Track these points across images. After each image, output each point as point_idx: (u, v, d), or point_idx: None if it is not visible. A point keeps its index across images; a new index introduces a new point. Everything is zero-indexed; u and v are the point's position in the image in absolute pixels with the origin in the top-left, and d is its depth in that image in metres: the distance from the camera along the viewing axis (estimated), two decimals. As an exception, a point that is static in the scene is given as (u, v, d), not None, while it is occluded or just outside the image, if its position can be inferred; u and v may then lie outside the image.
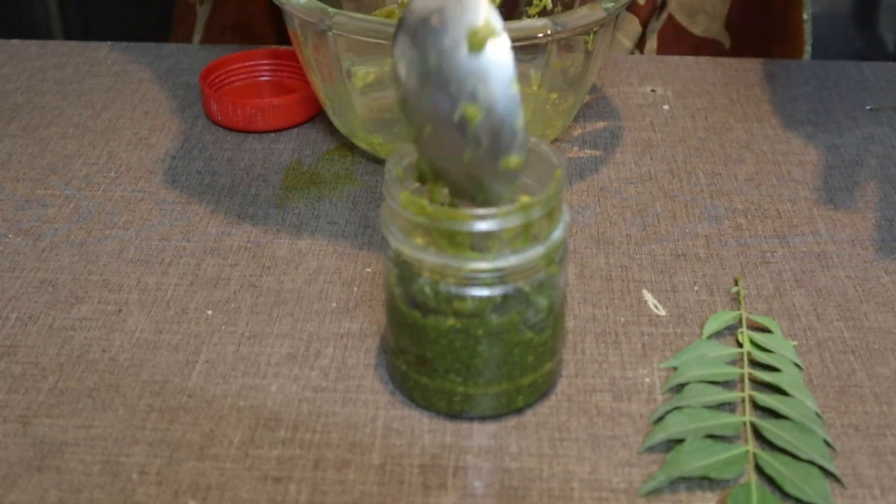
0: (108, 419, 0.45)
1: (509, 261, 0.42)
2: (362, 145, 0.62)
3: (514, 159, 0.41)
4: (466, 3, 0.41)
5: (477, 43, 0.40)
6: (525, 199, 0.42)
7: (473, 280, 0.42)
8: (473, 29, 0.40)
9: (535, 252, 0.42)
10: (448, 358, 0.44)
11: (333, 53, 0.57)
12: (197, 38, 0.83)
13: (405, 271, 0.44)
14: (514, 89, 0.40)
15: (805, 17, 0.78)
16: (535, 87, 0.59)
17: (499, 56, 0.40)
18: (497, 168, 0.41)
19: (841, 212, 0.59)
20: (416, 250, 0.43)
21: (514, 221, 0.42)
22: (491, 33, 0.40)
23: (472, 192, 0.43)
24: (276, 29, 0.81)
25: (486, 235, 0.42)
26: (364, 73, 0.61)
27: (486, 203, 0.42)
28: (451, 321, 0.43)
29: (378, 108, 0.62)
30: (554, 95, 0.60)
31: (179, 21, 0.86)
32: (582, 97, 0.62)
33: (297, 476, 0.43)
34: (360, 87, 0.60)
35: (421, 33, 0.41)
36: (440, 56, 0.41)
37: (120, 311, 0.52)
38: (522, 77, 0.57)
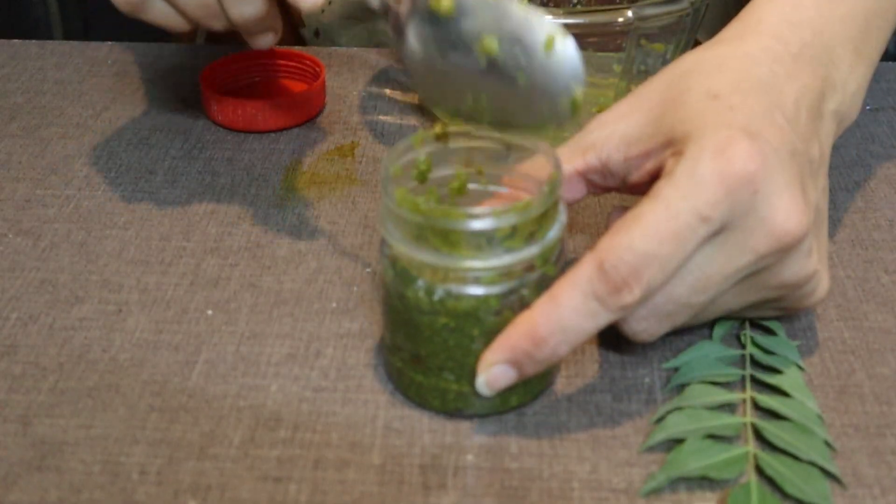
0: (108, 419, 0.45)
1: (503, 260, 0.42)
2: None
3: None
4: None
5: None
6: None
7: (468, 279, 0.42)
8: None
9: (529, 252, 0.43)
10: (442, 356, 0.44)
11: None
12: (201, 37, 0.83)
13: (400, 269, 0.44)
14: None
15: None
16: (615, 80, 0.60)
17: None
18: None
19: (841, 212, 0.59)
20: (411, 248, 0.43)
21: (508, 220, 0.42)
22: None
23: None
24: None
25: (481, 234, 0.42)
26: None
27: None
28: (444, 320, 0.43)
29: None
30: (634, 87, 0.61)
31: None
32: None
33: (297, 476, 0.43)
34: None
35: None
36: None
37: (120, 311, 0.52)
38: (605, 68, 0.58)
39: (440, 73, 0.44)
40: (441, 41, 0.44)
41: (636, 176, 0.47)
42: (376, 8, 0.49)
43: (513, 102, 0.43)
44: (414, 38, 0.45)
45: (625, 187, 0.48)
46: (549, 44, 0.42)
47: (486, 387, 0.43)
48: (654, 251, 0.41)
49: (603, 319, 0.42)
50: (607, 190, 0.49)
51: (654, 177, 0.45)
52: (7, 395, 0.47)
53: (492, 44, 0.42)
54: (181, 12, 0.54)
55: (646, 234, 0.41)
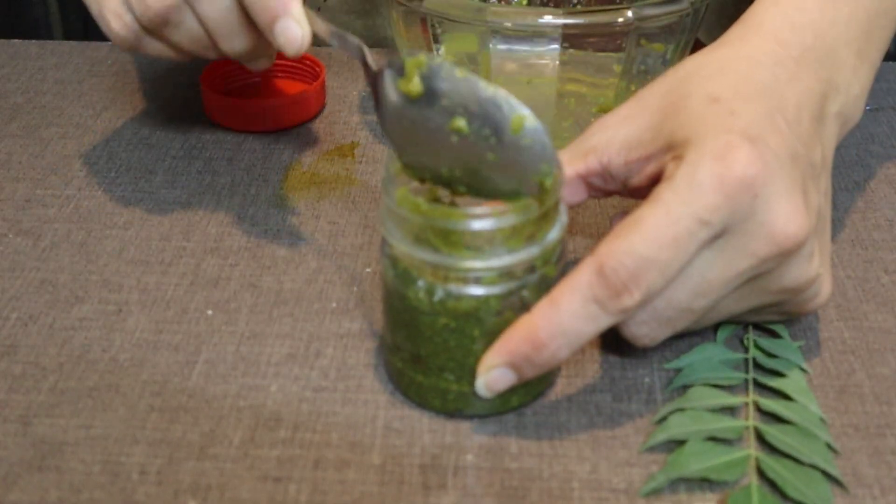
0: (108, 419, 0.45)
1: (504, 260, 0.42)
2: None
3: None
4: None
5: None
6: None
7: (468, 279, 0.42)
8: None
9: (529, 252, 0.42)
10: (442, 356, 0.44)
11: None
12: None
13: (401, 269, 0.44)
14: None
15: None
16: (615, 80, 0.60)
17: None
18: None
19: (841, 212, 0.59)
20: (412, 248, 0.43)
21: (508, 221, 0.42)
22: None
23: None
24: None
25: (481, 234, 0.42)
26: None
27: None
28: (445, 320, 0.43)
29: None
30: (634, 87, 0.61)
31: None
32: None
33: (297, 476, 0.43)
34: None
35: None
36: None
37: (120, 311, 0.52)
38: (605, 68, 0.59)
39: (415, 141, 0.45)
40: (414, 114, 0.44)
41: (637, 180, 0.47)
42: (358, 59, 0.50)
43: (486, 174, 0.44)
44: (390, 105, 0.45)
45: (625, 191, 0.48)
46: (517, 126, 0.42)
47: (485, 389, 0.43)
48: (654, 255, 0.41)
49: (603, 323, 0.42)
50: (608, 193, 0.49)
51: (655, 181, 0.45)
52: (7, 395, 0.47)
53: (461, 124, 0.43)
54: (175, 49, 0.56)
55: (646, 239, 0.41)
